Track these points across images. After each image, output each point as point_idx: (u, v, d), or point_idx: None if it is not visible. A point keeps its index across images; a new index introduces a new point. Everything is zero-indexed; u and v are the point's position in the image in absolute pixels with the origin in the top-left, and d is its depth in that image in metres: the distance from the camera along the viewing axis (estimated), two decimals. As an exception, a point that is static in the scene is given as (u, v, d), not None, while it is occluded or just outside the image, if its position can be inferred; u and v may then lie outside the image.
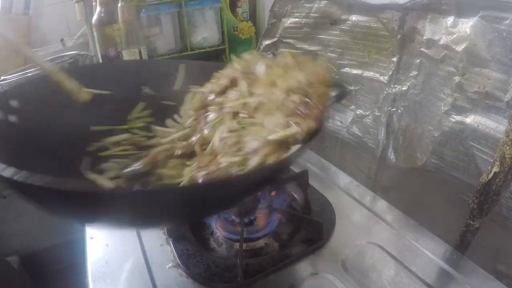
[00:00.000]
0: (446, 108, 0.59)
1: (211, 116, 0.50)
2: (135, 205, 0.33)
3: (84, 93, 0.52)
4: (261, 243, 0.55)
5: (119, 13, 0.88)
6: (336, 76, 0.67)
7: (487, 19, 0.51)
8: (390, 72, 0.68)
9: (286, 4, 0.85)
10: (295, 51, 0.87)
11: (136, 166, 0.48)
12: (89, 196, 0.31)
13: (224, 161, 0.42)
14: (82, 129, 0.56)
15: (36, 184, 0.29)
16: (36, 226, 1.00)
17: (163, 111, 0.61)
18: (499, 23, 0.50)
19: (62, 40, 1.15)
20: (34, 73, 0.93)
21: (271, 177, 0.44)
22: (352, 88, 0.77)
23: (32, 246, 1.04)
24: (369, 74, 0.73)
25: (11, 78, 0.83)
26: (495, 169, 0.52)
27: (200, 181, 0.41)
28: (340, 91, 0.53)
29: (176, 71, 0.64)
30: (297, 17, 0.84)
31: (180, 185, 0.42)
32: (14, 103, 0.50)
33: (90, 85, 0.59)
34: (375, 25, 0.68)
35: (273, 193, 0.63)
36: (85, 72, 0.64)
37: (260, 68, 0.49)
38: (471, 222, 0.57)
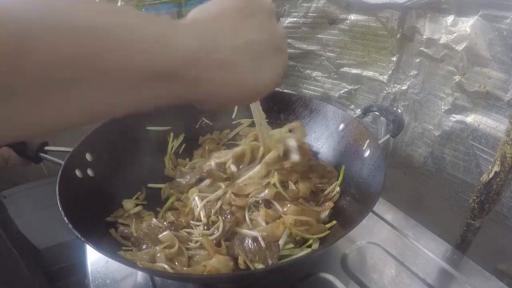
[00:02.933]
0: (446, 108, 0.59)
1: None
2: None
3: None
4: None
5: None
6: (394, 109, 0.68)
7: (487, 18, 0.51)
8: (390, 72, 0.68)
9: (284, 3, 0.85)
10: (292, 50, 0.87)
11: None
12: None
13: None
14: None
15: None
16: (36, 226, 1.00)
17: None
18: (500, 22, 0.49)
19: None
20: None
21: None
22: (352, 87, 0.77)
23: (32, 246, 1.04)
24: (368, 73, 0.73)
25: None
26: (496, 168, 0.52)
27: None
28: (394, 123, 0.55)
29: None
30: (295, 17, 0.83)
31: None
32: (89, 156, 0.55)
33: (148, 123, 0.64)
34: (374, 25, 0.68)
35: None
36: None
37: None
38: (472, 221, 0.57)
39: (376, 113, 0.67)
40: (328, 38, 0.78)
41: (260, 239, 0.45)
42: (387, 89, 0.70)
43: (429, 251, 0.53)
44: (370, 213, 0.60)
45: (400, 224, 0.58)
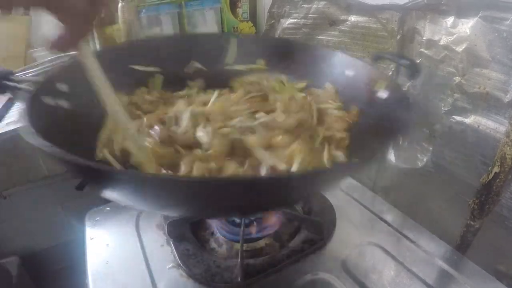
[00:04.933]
0: (446, 109, 0.59)
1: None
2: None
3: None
4: (261, 243, 0.55)
5: (119, 14, 0.88)
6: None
7: (487, 20, 0.51)
8: (390, 73, 0.68)
9: (284, 4, 0.85)
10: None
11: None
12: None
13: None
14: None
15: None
16: (36, 226, 0.99)
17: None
18: (499, 24, 0.50)
19: (62, 41, 1.15)
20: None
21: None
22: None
23: (32, 246, 1.03)
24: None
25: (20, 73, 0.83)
26: (496, 169, 0.52)
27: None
28: (410, 68, 0.51)
29: (227, 44, 0.64)
30: (295, 18, 0.83)
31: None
32: (62, 87, 0.48)
33: (138, 61, 0.59)
34: (374, 26, 0.68)
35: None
36: (131, 50, 0.63)
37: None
38: (472, 222, 0.57)
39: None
40: (328, 39, 0.79)
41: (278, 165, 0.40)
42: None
43: (429, 252, 0.53)
44: (370, 214, 0.61)
45: (400, 224, 0.58)
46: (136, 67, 0.59)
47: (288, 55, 0.63)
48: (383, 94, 0.50)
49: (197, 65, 0.63)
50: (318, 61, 0.62)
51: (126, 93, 0.56)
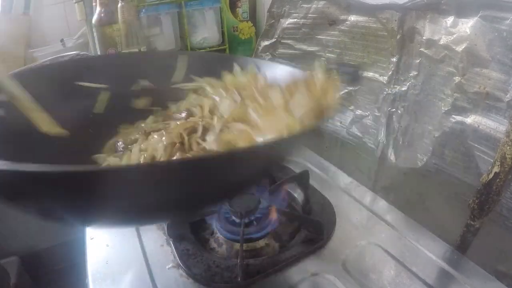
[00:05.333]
0: (446, 109, 0.59)
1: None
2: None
3: (54, 127, 0.46)
4: (261, 243, 0.55)
5: (119, 14, 0.88)
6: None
7: (487, 19, 0.51)
8: (390, 73, 0.68)
9: (284, 4, 0.85)
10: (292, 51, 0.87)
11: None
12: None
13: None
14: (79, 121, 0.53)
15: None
16: (36, 226, 0.99)
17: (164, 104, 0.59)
18: (499, 23, 0.50)
19: (62, 40, 1.15)
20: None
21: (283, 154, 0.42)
22: (351, 88, 0.77)
23: (32, 246, 1.04)
24: (368, 74, 0.73)
25: None
26: (496, 169, 0.52)
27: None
28: (352, 74, 0.51)
29: (175, 62, 0.62)
30: (295, 18, 0.84)
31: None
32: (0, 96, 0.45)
33: (85, 78, 0.57)
34: (374, 25, 0.68)
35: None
36: (80, 65, 0.62)
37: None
38: (472, 222, 0.57)
39: (376, 113, 0.65)
40: (328, 39, 0.79)
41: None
42: (386, 90, 0.70)
43: (429, 252, 0.53)
44: (370, 213, 0.61)
45: (400, 224, 0.58)
46: (82, 83, 0.57)
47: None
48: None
49: (145, 82, 0.62)
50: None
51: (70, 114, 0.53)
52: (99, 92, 0.59)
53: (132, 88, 0.61)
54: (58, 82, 0.53)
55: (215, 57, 0.65)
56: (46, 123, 0.45)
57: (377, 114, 0.73)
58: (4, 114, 0.46)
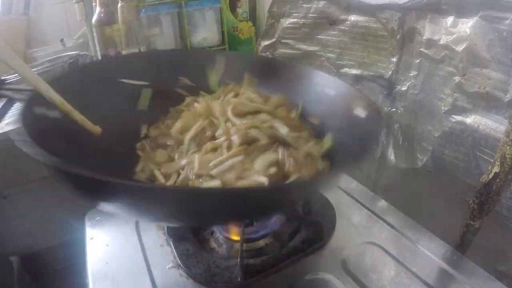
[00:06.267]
0: (446, 108, 0.59)
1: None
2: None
3: (94, 127, 0.50)
4: (261, 243, 0.55)
5: (119, 14, 0.88)
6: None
7: (487, 19, 0.51)
8: (390, 72, 0.68)
9: (284, 4, 0.85)
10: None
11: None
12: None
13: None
14: (127, 122, 0.56)
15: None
16: (36, 226, 0.99)
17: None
18: (499, 23, 0.50)
19: (62, 41, 1.15)
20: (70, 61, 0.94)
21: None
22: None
23: (32, 246, 1.03)
24: (368, 74, 0.73)
25: (12, 78, 0.83)
26: (496, 169, 0.52)
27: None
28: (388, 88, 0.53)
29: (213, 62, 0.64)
30: (295, 18, 0.84)
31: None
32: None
33: (127, 76, 0.59)
34: (374, 25, 0.68)
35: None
36: (120, 64, 0.64)
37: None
38: (472, 222, 0.57)
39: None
40: (328, 39, 0.79)
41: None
42: (387, 90, 0.70)
43: (429, 252, 0.53)
44: (370, 213, 0.61)
45: (400, 224, 0.58)
46: (125, 80, 0.59)
47: (271, 73, 0.64)
48: (361, 113, 0.52)
49: (186, 81, 0.63)
50: (298, 79, 0.63)
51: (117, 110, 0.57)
52: (142, 89, 0.61)
53: (172, 87, 0.63)
54: (102, 80, 0.56)
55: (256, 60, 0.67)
56: (88, 124, 0.48)
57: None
58: (59, 116, 0.47)
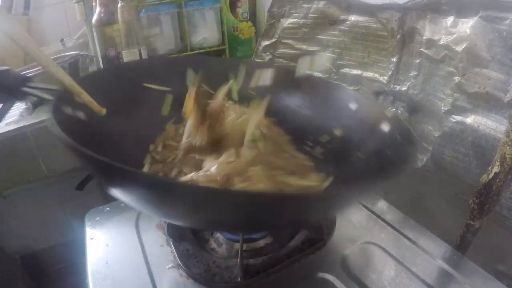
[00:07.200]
0: (446, 108, 0.59)
1: None
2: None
3: (100, 108, 0.51)
4: (261, 243, 0.55)
5: (119, 14, 0.88)
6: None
7: (487, 19, 0.51)
8: (390, 72, 0.68)
9: (284, 4, 0.85)
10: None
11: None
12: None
13: None
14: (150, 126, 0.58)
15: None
16: (36, 226, 0.99)
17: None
18: (499, 23, 0.50)
19: (62, 40, 1.15)
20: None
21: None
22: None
23: (32, 246, 1.04)
24: (368, 74, 0.73)
25: (34, 72, 0.83)
26: (496, 169, 0.52)
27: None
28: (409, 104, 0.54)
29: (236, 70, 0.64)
30: (295, 18, 0.84)
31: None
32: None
33: (148, 80, 0.60)
34: (375, 25, 0.68)
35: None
36: (143, 67, 0.66)
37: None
38: (472, 222, 0.57)
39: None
40: (328, 39, 0.79)
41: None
42: (387, 90, 0.70)
43: (429, 252, 0.53)
44: (370, 213, 0.61)
45: (400, 224, 0.58)
46: (149, 85, 0.60)
47: (294, 85, 0.65)
48: (385, 127, 0.53)
49: (205, 87, 0.62)
50: (324, 94, 0.63)
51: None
52: (165, 95, 0.62)
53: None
54: (127, 83, 0.58)
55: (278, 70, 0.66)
56: (95, 105, 0.49)
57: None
58: (84, 117, 0.49)
